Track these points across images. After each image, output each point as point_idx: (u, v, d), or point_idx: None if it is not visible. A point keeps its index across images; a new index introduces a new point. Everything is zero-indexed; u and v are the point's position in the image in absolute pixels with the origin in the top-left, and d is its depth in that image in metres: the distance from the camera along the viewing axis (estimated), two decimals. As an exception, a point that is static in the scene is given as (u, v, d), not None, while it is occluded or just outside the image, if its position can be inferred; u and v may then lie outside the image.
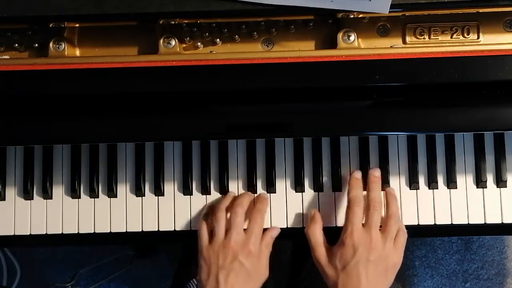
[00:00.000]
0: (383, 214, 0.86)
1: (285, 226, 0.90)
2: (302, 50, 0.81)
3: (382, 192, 0.88)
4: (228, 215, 0.86)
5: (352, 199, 0.84)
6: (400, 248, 0.84)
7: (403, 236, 0.84)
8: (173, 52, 0.80)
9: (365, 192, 0.86)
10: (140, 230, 0.91)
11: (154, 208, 0.91)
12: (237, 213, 0.85)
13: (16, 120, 0.81)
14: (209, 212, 0.88)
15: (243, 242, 0.83)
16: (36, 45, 0.82)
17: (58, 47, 0.80)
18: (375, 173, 0.87)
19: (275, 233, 0.88)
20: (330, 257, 0.82)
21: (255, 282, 0.84)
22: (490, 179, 0.90)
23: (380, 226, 0.84)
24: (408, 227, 0.90)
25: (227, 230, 0.84)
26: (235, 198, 0.89)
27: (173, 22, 0.80)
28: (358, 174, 0.87)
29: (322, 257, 0.83)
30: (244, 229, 0.85)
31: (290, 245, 1.30)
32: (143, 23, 0.81)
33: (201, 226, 0.86)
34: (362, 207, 0.83)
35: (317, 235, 0.85)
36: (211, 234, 0.85)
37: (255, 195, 0.90)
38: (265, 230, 0.88)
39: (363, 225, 0.83)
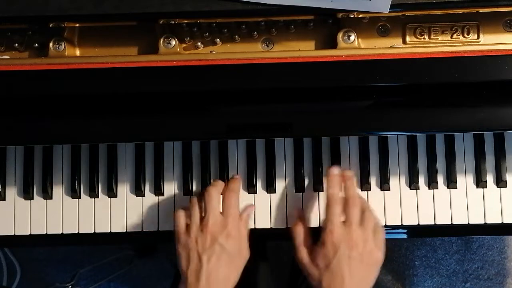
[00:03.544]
0: None
1: (285, 226, 0.90)
2: (302, 50, 0.81)
3: None
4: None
5: (330, 197, 0.84)
6: (380, 243, 0.83)
7: (382, 232, 0.84)
8: (173, 52, 0.80)
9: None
10: (140, 230, 0.91)
11: (154, 208, 0.91)
12: (211, 194, 0.84)
13: (16, 120, 0.81)
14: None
15: (221, 224, 0.82)
16: (36, 45, 0.82)
17: (58, 47, 0.80)
18: (349, 172, 0.87)
19: (250, 210, 0.88)
20: (313, 257, 0.82)
21: (238, 264, 0.83)
22: (490, 179, 0.90)
23: None
24: (408, 227, 0.90)
25: (203, 214, 0.83)
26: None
27: (173, 22, 0.80)
28: (335, 170, 0.86)
29: (305, 257, 0.83)
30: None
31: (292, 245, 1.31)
32: (143, 23, 0.81)
33: (177, 213, 0.84)
34: (341, 205, 0.83)
35: (301, 235, 0.85)
36: (188, 220, 0.84)
37: (255, 195, 0.91)
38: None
39: (343, 222, 0.82)
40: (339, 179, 0.86)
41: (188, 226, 0.83)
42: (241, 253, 0.83)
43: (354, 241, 0.80)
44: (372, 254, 0.81)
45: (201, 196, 0.86)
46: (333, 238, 0.80)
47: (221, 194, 0.87)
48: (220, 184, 0.87)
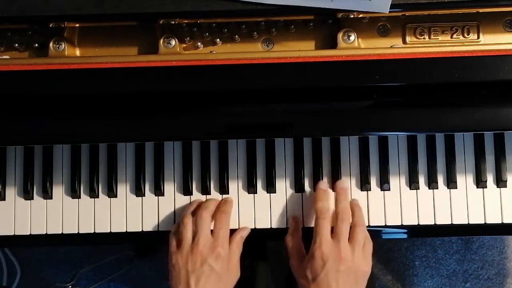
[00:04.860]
0: None
1: (285, 226, 0.90)
2: (302, 50, 0.81)
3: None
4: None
5: (318, 211, 0.84)
6: (368, 256, 0.84)
7: (370, 244, 0.85)
8: (173, 52, 0.80)
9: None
10: (140, 230, 0.91)
11: (154, 208, 0.91)
12: (202, 216, 0.84)
13: (16, 120, 0.81)
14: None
15: (211, 245, 0.83)
16: (36, 45, 0.82)
17: (58, 47, 0.80)
18: (342, 185, 0.88)
19: (245, 233, 0.88)
20: (302, 268, 0.83)
21: (227, 284, 0.84)
22: (490, 179, 0.90)
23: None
24: (408, 227, 0.90)
25: (194, 235, 0.84)
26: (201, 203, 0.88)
27: (173, 22, 0.80)
28: (324, 185, 0.88)
29: (295, 267, 0.84)
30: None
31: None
32: (143, 23, 0.81)
33: (171, 233, 0.86)
34: (330, 218, 0.84)
35: (292, 244, 0.86)
36: (180, 241, 0.85)
37: (255, 195, 0.91)
38: (234, 230, 0.88)
39: (332, 235, 0.82)
40: (327, 193, 0.87)
41: (179, 245, 0.84)
42: (230, 273, 0.84)
43: (342, 255, 0.80)
44: (360, 267, 0.82)
45: (194, 215, 0.86)
46: (322, 252, 0.80)
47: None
48: (213, 205, 0.87)
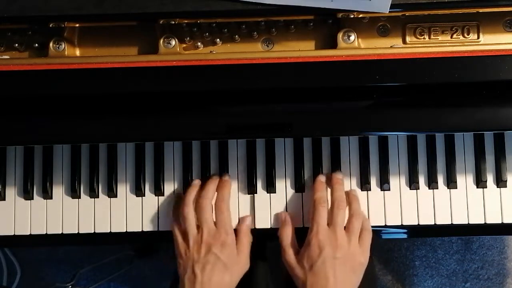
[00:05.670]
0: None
1: (285, 226, 0.90)
2: (302, 50, 0.81)
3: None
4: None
5: (317, 200, 0.85)
6: (365, 247, 0.84)
7: (368, 234, 0.85)
8: (173, 52, 0.80)
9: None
10: (140, 230, 0.91)
11: (154, 208, 0.91)
12: (202, 206, 0.85)
13: (16, 120, 0.81)
14: (178, 208, 0.88)
15: (215, 234, 0.84)
16: (36, 45, 0.82)
17: (58, 47, 0.80)
18: (338, 176, 0.89)
19: (248, 221, 0.89)
20: (298, 258, 0.83)
21: (233, 273, 0.84)
22: (490, 179, 0.90)
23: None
24: (408, 227, 0.90)
25: (198, 225, 0.85)
26: (200, 189, 0.88)
27: (173, 22, 0.80)
28: (322, 178, 0.89)
29: (291, 259, 0.84)
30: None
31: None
32: (143, 23, 0.81)
33: (173, 227, 0.87)
34: (327, 208, 0.85)
35: (287, 237, 0.86)
36: (185, 232, 0.86)
37: (255, 195, 0.91)
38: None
39: (328, 224, 0.83)
40: (325, 185, 0.88)
41: (185, 237, 0.85)
42: (239, 262, 0.85)
43: (338, 243, 0.81)
44: (356, 256, 0.82)
45: (183, 201, 0.87)
46: (318, 239, 0.81)
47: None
48: (211, 192, 0.87)
